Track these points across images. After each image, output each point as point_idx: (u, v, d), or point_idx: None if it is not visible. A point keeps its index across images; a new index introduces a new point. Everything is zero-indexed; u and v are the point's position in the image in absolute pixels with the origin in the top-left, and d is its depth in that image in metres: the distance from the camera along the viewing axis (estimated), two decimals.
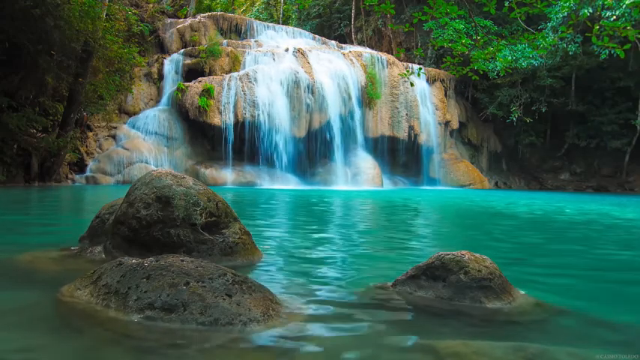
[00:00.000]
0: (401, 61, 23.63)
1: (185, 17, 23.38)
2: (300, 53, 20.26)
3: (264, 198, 11.10)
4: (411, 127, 22.59)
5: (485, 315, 2.02)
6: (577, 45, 20.96)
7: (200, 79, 18.43)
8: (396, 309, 2.10)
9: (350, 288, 2.45)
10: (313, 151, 20.25)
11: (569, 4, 18.94)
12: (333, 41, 24.92)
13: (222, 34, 22.00)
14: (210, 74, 19.06)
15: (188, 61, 19.47)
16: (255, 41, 21.93)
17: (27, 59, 11.83)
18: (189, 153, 18.32)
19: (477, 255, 2.26)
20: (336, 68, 20.43)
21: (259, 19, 29.32)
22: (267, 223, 5.72)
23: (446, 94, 24.63)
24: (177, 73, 19.44)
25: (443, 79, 24.62)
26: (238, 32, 22.91)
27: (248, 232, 3.13)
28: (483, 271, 2.17)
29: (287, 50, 20.44)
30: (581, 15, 17.04)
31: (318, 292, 2.31)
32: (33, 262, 2.75)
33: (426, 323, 1.94)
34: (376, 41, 28.89)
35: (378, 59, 22.16)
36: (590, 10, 18.06)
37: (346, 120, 20.54)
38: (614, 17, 17.10)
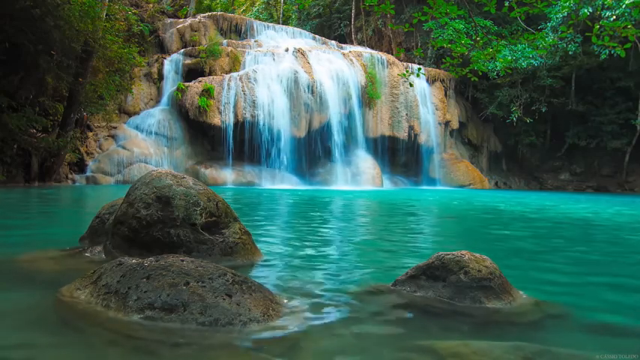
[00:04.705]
0: (401, 61, 23.63)
1: (185, 17, 23.37)
2: (300, 53, 20.26)
3: (264, 198, 11.10)
4: (411, 127, 22.59)
5: (485, 315, 2.01)
6: (577, 45, 20.96)
7: (200, 79, 18.43)
8: (396, 309, 2.10)
9: (350, 288, 2.45)
10: (313, 151, 20.26)
11: (569, 4, 18.94)
12: (333, 41, 24.91)
13: (222, 34, 21.99)
14: (210, 74, 19.06)
15: (188, 61, 19.47)
16: (255, 41, 21.92)
17: (27, 59, 11.82)
18: (189, 153, 18.32)
19: (477, 255, 2.26)
20: (336, 68, 20.42)
21: (259, 19, 29.32)
22: (267, 223, 5.72)
23: (446, 94, 24.63)
24: (177, 73, 19.43)
25: (443, 79, 24.61)
26: (238, 32, 22.90)
27: (248, 232, 3.13)
28: (483, 271, 2.17)
29: (287, 50, 20.44)
30: (581, 15, 17.03)
31: (318, 292, 2.31)
32: (33, 262, 2.75)
33: (426, 323, 1.94)
34: (376, 41, 28.88)
35: (378, 59, 22.15)
36: (590, 10, 18.05)
37: (346, 120, 20.54)
38: (614, 17, 17.10)
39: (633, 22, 15.80)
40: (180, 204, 2.82)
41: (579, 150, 25.54)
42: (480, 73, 10.56)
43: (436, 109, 23.84)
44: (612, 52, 17.26)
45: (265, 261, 3.05)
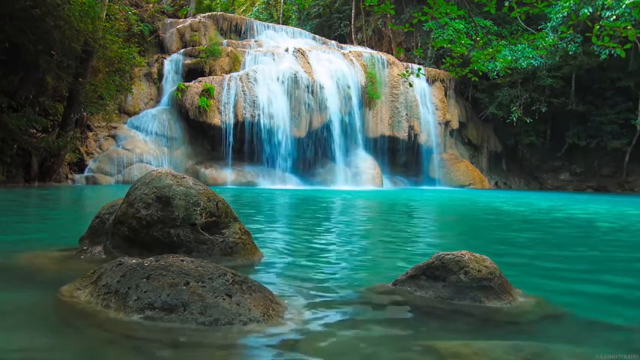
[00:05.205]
0: (401, 61, 23.63)
1: (185, 17, 23.37)
2: (300, 53, 20.26)
3: (264, 198, 11.10)
4: (411, 127, 22.59)
5: (485, 315, 2.01)
6: (577, 45, 20.96)
7: (200, 79, 18.43)
8: (396, 309, 2.10)
9: (350, 288, 2.45)
10: (313, 151, 20.25)
11: (569, 4, 18.94)
12: (333, 41, 24.91)
13: (222, 34, 21.99)
14: (210, 74, 19.05)
15: (188, 61, 19.46)
16: (255, 41, 21.92)
17: (27, 59, 11.82)
18: (189, 153, 18.32)
19: (477, 255, 2.26)
20: (336, 68, 20.42)
21: (259, 19, 29.31)
22: (267, 223, 5.71)
23: (446, 94, 24.63)
24: (177, 73, 19.43)
25: (443, 79, 24.61)
26: (238, 32, 22.90)
27: (248, 232, 3.13)
28: (483, 271, 2.17)
29: (287, 50, 20.44)
30: (581, 15, 17.03)
31: (318, 292, 2.31)
32: (33, 262, 2.75)
33: (426, 323, 1.94)
34: (376, 41, 28.88)
35: (378, 59, 22.15)
36: (590, 10, 18.05)
37: (346, 120, 20.53)
38: (614, 17, 17.10)
39: (633, 22, 15.81)
40: (180, 204, 2.82)
41: (579, 150, 25.54)
42: (480, 73, 10.57)
43: (436, 109, 23.83)
44: (612, 52, 17.26)
45: (265, 261, 3.05)
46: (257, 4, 37.16)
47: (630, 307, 2.40)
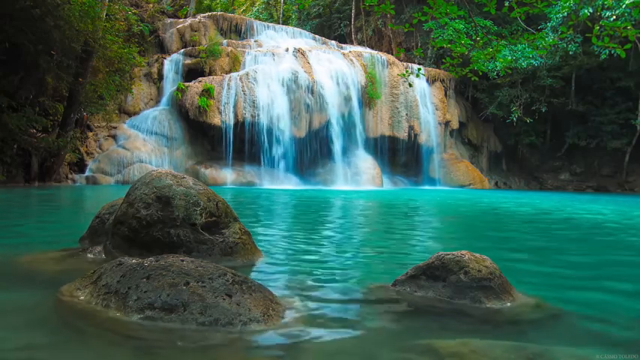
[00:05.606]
0: (401, 61, 23.63)
1: (185, 17, 23.37)
2: (300, 53, 20.26)
3: (264, 198, 11.10)
4: (411, 127, 22.59)
5: (485, 315, 2.02)
6: (577, 45, 20.96)
7: (200, 79, 18.43)
8: (396, 309, 2.10)
9: (350, 288, 2.45)
10: (313, 151, 20.25)
11: (569, 4, 18.94)
12: (333, 41, 24.91)
13: (222, 34, 21.99)
14: (210, 74, 19.06)
15: (188, 61, 19.47)
16: (255, 41, 21.92)
17: (27, 59, 11.82)
18: (189, 153, 18.32)
19: (477, 255, 2.26)
20: (336, 68, 20.42)
21: (259, 19, 29.32)
22: (267, 223, 5.72)
23: (446, 94, 24.63)
24: (177, 73, 19.43)
25: (443, 79, 24.61)
26: (238, 32, 22.90)
27: (248, 232, 3.13)
28: (483, 271, 2.17)
29: (287, 50, 20.44)
30: (581, 15, 17.04)
31: (318, 292, 2.31)
32: (33, 262, 2.75)
33: (426, 323, 1.94)
34: (376, 41, 28.88)
35: (378, 59, 22.15)
36: (590, 10, 18.05)
37: (346, 120, 20.54)
38: (614, 17, 17.10)
39: (633, 22, 15.80)
40: (180, 204, 2.82)
41: (579, 150, 25.54)
42: (480, 73, 10.57)
43: (436, 109, 23.84)
44: (612, 52, 17.27)
45: (265, 261, 3.05)
46: (257, 4, 37.16)
47: (630, 309, 2.40)
